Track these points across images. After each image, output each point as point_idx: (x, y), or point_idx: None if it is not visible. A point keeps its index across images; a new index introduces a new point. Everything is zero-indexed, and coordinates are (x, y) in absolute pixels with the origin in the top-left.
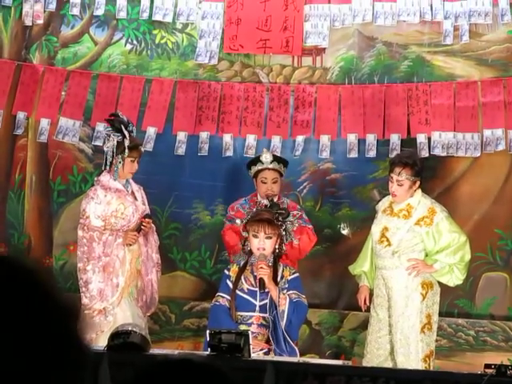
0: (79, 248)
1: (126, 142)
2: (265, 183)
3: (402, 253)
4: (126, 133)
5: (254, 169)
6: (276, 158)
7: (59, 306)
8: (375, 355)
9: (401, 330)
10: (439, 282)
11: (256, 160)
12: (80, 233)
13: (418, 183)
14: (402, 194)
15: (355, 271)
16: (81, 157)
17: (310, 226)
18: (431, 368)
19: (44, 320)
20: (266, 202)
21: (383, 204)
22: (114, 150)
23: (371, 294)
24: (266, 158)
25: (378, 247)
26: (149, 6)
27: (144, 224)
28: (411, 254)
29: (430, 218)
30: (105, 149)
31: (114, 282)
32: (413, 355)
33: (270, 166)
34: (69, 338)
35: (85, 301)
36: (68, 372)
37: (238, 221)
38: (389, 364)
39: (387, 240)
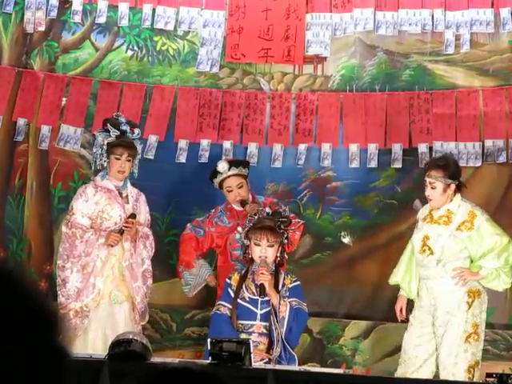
0: (61, 245)
1: (108, 140)
2: (231, 191)
3: (447, 261)
4: (111, 131)
5: (216, 181)
6: (233, 163)
7: (39, 312)
8: (412, 363)
9: (446, 339)
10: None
11: (215, 172)
12: (64, 229)
13: (453, 186)
14: (437, 197)
15: (391, 281)
16: (82, 163)
17: (293, 216)
18: (475, 378)
19: (23, 326)
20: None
21: (423, 212)
22: (100, 149)
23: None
24: (223, 167)
25: (421, 257)
26: (151, 15)
27: (125, 224)
28: (456, 263)
29: (471, 221)
30: (93, 149)
31: (92, 282)
32: (457, 365)
33: (230, 173)
34: (48, 344)
35: (61, 299)
36: (46, 378)
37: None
38: (427, 370)
39: (429, 248)
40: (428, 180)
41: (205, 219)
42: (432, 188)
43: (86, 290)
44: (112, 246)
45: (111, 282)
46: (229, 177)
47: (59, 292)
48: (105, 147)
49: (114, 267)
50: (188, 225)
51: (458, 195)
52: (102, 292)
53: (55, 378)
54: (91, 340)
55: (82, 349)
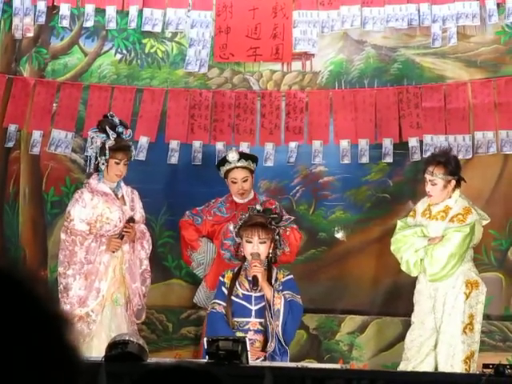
0: (61, 251)
1: (109, 143)
2: (235, 183)
3: None
4: (110, 133)
5: (223, 169)
6: (243, 156)
7: (51, 315)
8: (414, 358)
9: (444, 331)
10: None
11: (223, 160)
12: (63, 236)
13: (453, 182)
14: (437, 193)
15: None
16: (73, 167)
17: (295, 226)
18: (471, 369)
19: (37, 332)
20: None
21: (422, 205)
22: (98, 152)
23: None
24: (233, 157)
25: None
26: (137, 16)
27: (125, 229)
28: None
29: (464, 215)
30: (89, 150)
31: (96, 286)
32: (455, 357)
33: (238, 165)
34: (61, 347)
35: (64, 306)
36: (60, 382)
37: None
38: (428, 364)
39: None
40: (428, 177)
41: (204, 208)
42: (432, 185)
43: (90, 295)
44: (114, 252)
45: (113, 284)
46: (236, 168)
47: (61, 299)
48: (107, 151)
49: (115, 269)
50: (187, 212)
51: (457, 191)
52: (106, 295)
53: (69, 381)
54: (96, 343)
55: (87, 352)
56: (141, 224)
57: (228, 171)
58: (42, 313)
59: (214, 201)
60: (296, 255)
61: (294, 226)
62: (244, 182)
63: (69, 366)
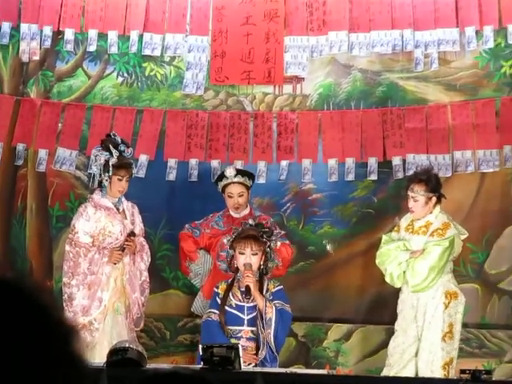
0: (65, 262)
1: (112, 161)
2: (231, 197)
3: None
4: (113, 152)
5: (221, 184)
6: (240, 172)
7: (58, 325)
8: (396, 363)
9: (425, 339)
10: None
11: (221, 175)
12: (67, 247)
13: (434, 199)
14: (419, 209)
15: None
16: (77, 184)
17: (287, 242)
18: (450, 375)
19: (44, 339)
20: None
21: (406, 220)
22: (102, 169)
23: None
24: (230, 172)
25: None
26: (137, 40)
27: (127, 242)
28: None
29: (444, 230)
30: (93, 167)
31: (98, 295)
32: (434, 363)
33: (235, 180)
34: (68, 356)
35: (68, 315)
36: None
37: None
38: (409, 370)
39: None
40: (410, 194)
41: (203, 222)
42: (414, 201)
43: (93, 304)
44: (115, 263)
45: (114, 294)
46: (233, 183)
47: (66, 308)
48: (111, 168)
49: (116, 280)
50: (186, 225)
51: (438, 207)
52: (108, 304)
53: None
54: (98, 351)
55: (90, 359)
56: (140, 237)
57: (225, 186)
58: (47, 320)
59: (212, 215)
60: (287, 268)
61: (287, 242)
62: (240, 196)
63: (74, 370)
